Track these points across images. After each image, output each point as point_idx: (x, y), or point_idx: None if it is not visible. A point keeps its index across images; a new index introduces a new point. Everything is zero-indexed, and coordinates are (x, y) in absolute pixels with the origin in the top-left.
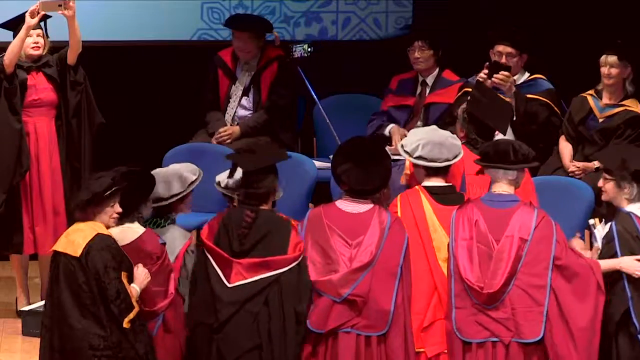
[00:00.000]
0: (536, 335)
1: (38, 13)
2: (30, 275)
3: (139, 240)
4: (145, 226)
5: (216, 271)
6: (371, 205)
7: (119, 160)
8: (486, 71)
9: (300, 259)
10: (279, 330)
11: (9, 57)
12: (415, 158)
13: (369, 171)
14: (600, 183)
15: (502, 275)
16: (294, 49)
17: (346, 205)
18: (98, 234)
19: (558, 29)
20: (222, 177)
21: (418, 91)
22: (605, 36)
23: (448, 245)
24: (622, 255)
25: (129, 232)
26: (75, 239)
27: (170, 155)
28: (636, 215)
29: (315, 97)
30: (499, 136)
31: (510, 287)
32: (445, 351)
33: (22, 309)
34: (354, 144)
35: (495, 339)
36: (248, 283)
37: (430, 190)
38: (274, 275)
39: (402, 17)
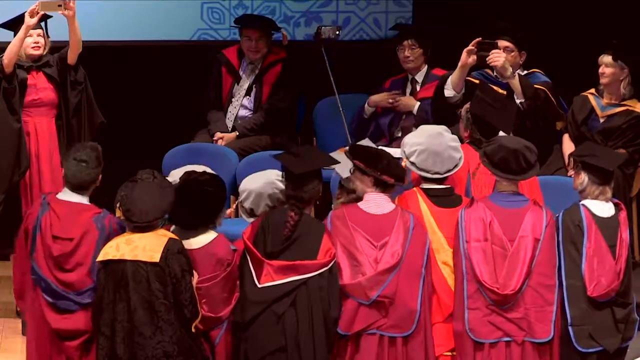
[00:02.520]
0: (547, 334)
1: (37, 13)
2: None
3: (211, 245)
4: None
5: (250, 270)
6: (394, 206)
7: (120, 160)
8: (471, 48)
9: (330, 265)
10: (306, 335)
11: (8, 56)
12: (409, 162)
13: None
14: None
15: (519, 276)
16: (322, 31)
17: (369, 206)
18: (170, 238)
19: (557, 29)
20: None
21: (409, 90)
22: (605, 36)
23: (457, 246)
24: (564, 243)
25: (201, 237)
26: (145, 245)
27: (170, 155)
28: (585, 207)
29: (334, 84)
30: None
31: (525, 286)
32: (446, 353)
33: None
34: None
35: (508, 339)
36: (275, 285)
37: (428, 193)
38: (301, 279)
39: (402, 17)
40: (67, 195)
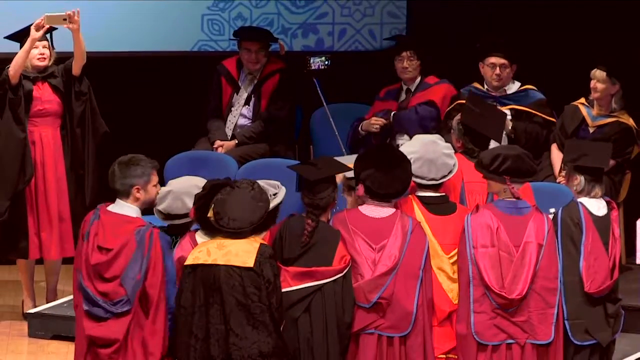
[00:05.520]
0: (548, 337)
1: (43, 26)
2: (36, 279)
3: None
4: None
5: None
6: (393, 210)
7: None
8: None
9: (345, 271)
10: (320, 339)
11: (14, 68)
12: None
13: (391, 175)
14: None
15: (524, 281)
16: (311, 61)
17: (369, 210)
18: (261, 244)
19: (548, 39)
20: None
21: (402, 99)
22: (596, 46)
23: (463, 251)
24: (563, 240)
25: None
26: (238, 251)
27: (172, 163)
28: (583, 205)
29: (327, 109)
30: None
31: (529, 291)
32: (440, 355)
33: (28, 312)
34: (376, 150)
35: (510, 341)
36: (292, 291)
37: (423, 200)
38: (317, 285)
39: (396, 29)
40: (116, 207)
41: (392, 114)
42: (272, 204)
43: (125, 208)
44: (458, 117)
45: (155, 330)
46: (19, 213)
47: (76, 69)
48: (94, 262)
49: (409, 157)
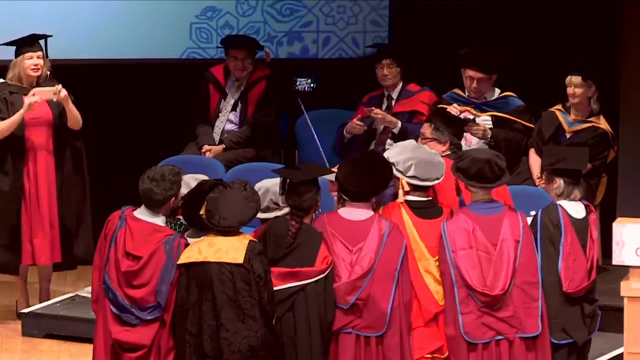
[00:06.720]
0: (536, 329)
1: (36, 102)
2: (30, 280)
3: None
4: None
5: None
6: (371, 213)
7: (113, 172)
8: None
9: (327, 272)
10: (303, 338)
11: (1, 132)
12: (408, 177)
13: (364, 175)
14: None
15: (505, 277)
16: (298, 82)
17: (348, 212)
18: (250, 240)
19: (527, 45)
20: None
21: (385, 105)
22: (572, 53)
23: (443, 256)
24: (542, 242)
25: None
26: (228, 248)
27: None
28: (562, 207)
29: (311, 127)
30: (475, 143)
31: (511, 286)
32: (426, 355)
33: (21, 311)
34: (360, 154)
35: (499, 337)
36: (276, 290)
37: (411, 205)
38: (300, 285)
39: (379, 37)
40: (143, 213)
41: (400, 124)
42: (272, 214)
43: (150, 216)
44: (428, 126)
45: (170, 335)
46: (15, 227)
47: (70, 124)
48: (124, 270)
49: (408, 163)
